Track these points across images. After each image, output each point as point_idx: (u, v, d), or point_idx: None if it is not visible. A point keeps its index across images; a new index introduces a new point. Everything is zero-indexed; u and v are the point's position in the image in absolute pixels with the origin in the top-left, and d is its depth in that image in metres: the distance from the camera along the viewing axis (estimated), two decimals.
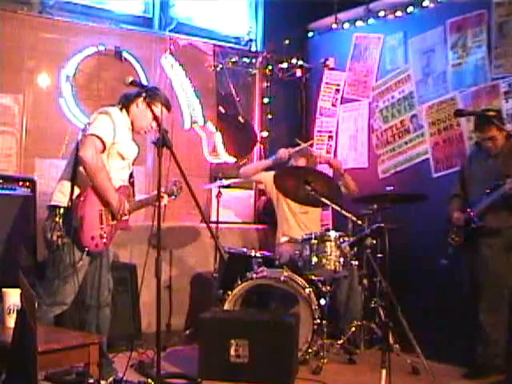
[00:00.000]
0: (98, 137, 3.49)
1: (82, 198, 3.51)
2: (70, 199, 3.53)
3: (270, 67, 6.21)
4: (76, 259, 3.52)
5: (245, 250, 5.00)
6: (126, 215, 3.69)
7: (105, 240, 3.62)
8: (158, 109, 3.58)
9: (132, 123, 3.74)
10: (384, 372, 3.58)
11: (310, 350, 4.40)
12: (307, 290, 4.50)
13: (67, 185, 3.58)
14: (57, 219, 3.54)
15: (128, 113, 3.71)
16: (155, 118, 3.47)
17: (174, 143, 3.24)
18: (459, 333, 4.55)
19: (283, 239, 5.34)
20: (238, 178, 5.51)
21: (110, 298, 3.85)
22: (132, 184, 3.88)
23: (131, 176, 3.87)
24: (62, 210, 3.54)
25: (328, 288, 4.60)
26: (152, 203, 3.82)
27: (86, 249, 3.54)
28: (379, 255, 4.42)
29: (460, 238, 4.36)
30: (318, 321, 4.41)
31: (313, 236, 4.63)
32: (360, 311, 4.79)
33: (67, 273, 3.54)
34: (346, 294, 4.86)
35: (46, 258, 3.82)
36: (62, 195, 3.58)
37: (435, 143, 5.26)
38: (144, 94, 3.61)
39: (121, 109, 3.71)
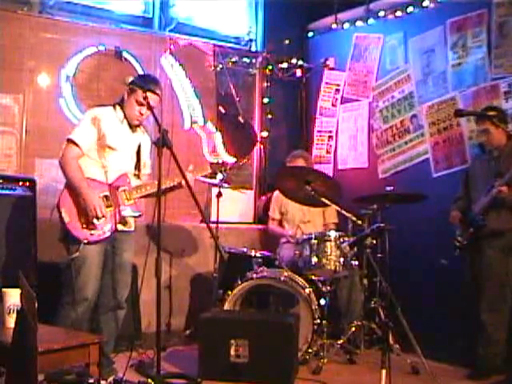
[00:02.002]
0: (73, 142, 3.65)
1: (64, 192, 3.63)
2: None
3: (270, 67, 6.20)
4: (72, 250, 3.58)
5: (245, 249, 5.00)
6: (100, 218, 3.64)
7: (103, 227, 3.64)
8: (143, 95, 3.62)
9: (126, 116, 3.82)
10: (384, 372, 3.58)
11: (309, 350, 4.40)
12: (307, 290, 4.50)
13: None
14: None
15: (122, 108, 3.82)
16: (141, 104, 3.65)
17: (174, 143, 3.24)
18: (459, 333, 4.55)
19: (284, 239, 5.34)
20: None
21: (116, 303, 3.81)
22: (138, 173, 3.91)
23: (137, 168, 3.90)
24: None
25: (328, 288, 4.60)
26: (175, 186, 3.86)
27: (85, 240, 3.58)
28: (379, 255, 4.42)
29: (465, 239, 4.37)
30: (318, 321, 4.42)
31: (313, 236, 4.63)
32: (360, 311, 4.79)
33: (74, 267, 3.59)
34: (347, 294, 4.86)
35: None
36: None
37: (435, 143, 5.26)
38: (128, 87, 3.73)
39: (114, 106, 3.82)
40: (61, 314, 3.61)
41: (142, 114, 3.77)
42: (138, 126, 3.89)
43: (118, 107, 3.82)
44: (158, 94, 3.70)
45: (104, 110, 3.80)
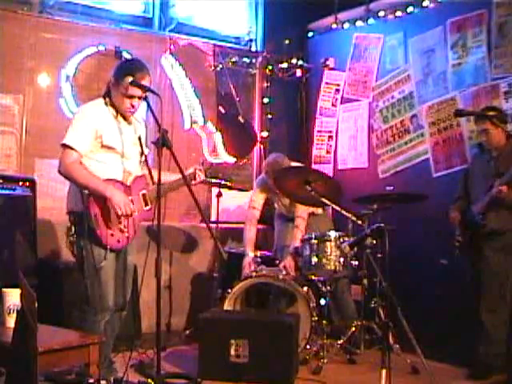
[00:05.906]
0: (69, 147, 3.45)
1: (91, 198, 3.43)
2: (82, 201, 3.44)
3: (270, 67, 6.20)
4: (99, 259, 3.45)
5: None
6: (132, 213, 3.52)
7: (127, 234, 3.55)
8: (128, 86, 3.49)
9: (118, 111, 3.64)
10: (384, 372, 3.58)
11: (308, 347, 4.41)
12: (305, 288, 4.51)
13: (74, 190, 3.51)
14: (69, 225, 3.52)
15: (111, 101, 3.63)
16: (130, 96, 3.49)
17: (173, 143, 3.24)
18: (459, 333, 4.55)
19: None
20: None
21: (122, 305, 3.76)
22: (149, 171, 3.65)
23: (145, 162, 3.73)
24: (74, 216, 3.51)
25: (328, 288, 4.60)
26: (181, 185, 3.68)
27: (108, 246, 3.46)
28: (379, 255, 4.41)
29: (464, 239, 4.37)
30: (316, 318, 4.42)
31: (313, 236, 4.63)
32: (354, 312, 4.79)
33: (95, 276, 3.48)
34: (341, 294, 4.89)
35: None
36: (72, 200, 3.54)
37: (435, 143, 5.26)
38: (113, 80, 3.58)
39: (104, 98, 3.63)
40: (87, 323, 3.50)
41: (133, 107, 3.58)
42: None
43: (108, 101, 3.62)
44: (141, 87, 3.47)
45: (96, 107, 3.59)
